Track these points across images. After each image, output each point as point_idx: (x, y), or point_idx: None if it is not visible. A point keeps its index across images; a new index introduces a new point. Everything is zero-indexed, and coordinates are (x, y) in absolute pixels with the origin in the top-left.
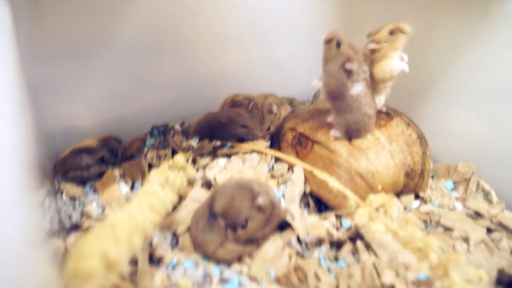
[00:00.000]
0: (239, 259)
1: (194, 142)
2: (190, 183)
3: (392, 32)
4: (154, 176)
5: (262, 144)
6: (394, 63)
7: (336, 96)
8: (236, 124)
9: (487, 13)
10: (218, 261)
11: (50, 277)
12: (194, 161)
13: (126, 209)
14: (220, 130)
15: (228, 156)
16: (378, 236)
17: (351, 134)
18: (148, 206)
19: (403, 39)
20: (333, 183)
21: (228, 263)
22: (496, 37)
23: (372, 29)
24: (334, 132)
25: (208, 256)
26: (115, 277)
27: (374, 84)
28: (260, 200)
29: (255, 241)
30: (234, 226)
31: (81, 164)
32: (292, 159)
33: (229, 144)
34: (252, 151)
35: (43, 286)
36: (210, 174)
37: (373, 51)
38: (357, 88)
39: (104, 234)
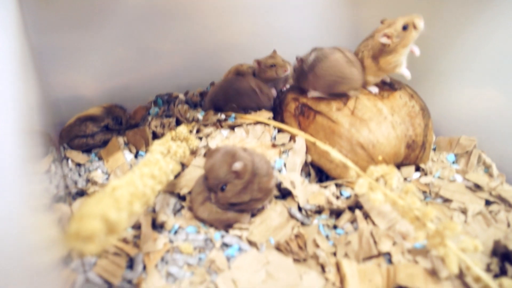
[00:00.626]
0: (229, 226)
1: (199, 114)
2: (193, 153)
3: (405, 28)
4: (157, 146)
5: (265, 115)
6: (400, 67)
7: None
8: (262, 92)
9: None
10: (201, 221)
11: (55, 240)
12: (198, 131)
13: (127, 176)
14: (246, 97)
15: (232, 128)
16: (377, 205)
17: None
18: (149, 175)
19: (415, 36)
20: (335, 153)
21: (211, 225)
22: (501, 9)
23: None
24: (312, 93)
25: (196, 216)
26: (115, 239)
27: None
28: (236, 165)
29: (245, 210)
30: (214, 188)
31: (86, 132)
32: (294, 130)
33: (233, 115)
34: (256, 123)
35: (47, 249)
36: (213, 144)
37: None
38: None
39: (105, 198)
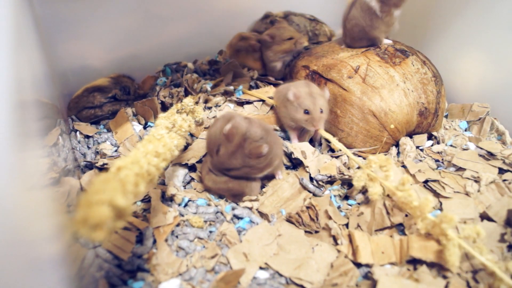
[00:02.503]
0: (236, 196)
1: (207, 85)
2: (200, 124)
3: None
4: (162, 120)
5: (272, 91)
6: None
7: None
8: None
9: None
10: (209, 191)
11: (62, 218)
12: (206, 102)
13: (131, 154)
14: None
15: (240, 103)
16: (375, 197)
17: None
18: (153, 152)
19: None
20: (335, 142)
21: (216, 194)
22: None
23: None
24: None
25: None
26: (123, 224)
27: None
28: (225, 127)
29: (242, 178)
30: (211, 152)
31: (94, 103)
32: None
33: (241, 88)
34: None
35: (55, 226)
36: (221, 114)
37: None
38: None
39: (111, 181)
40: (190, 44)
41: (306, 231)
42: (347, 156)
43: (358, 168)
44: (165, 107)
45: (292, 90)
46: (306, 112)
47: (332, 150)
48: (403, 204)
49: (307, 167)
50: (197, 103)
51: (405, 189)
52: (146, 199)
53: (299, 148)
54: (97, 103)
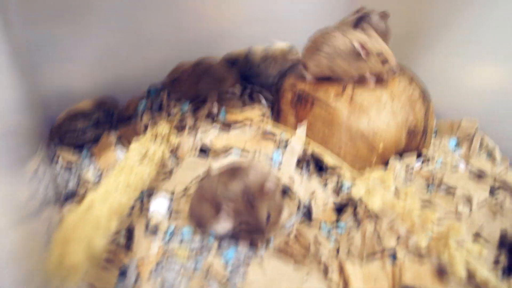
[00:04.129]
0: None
1: (185, 106)
2: (174, 150)
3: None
4: (135, 146)
5: (258, 112)
6: None
7: None
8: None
9: None
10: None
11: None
12: (183, 127)
13: (103, 186)
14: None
15: (227, 126)
16: (375, 208)
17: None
18: (125, 183)
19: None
20: (329, 157)
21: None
22: None
23: None
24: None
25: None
26: (97, 263)
27: None
28: (268, 185)
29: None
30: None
31: (77, 127)
32: (287, 131)
33: (223, 110)
34: (251, 122)
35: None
36: (206, 139)
37: None
38: None
39: (84, 218)
40: (175, 64)
41: (295, 260)
42: (337, 179)
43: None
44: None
45: (356, 41)
46: (385, 62)
47: (321, 172)
48: (405, 217)
49: (295, 194)
50: (177, 127)
51: (407, 201)
52: (130, 229)
53: (286, 173)
54: (79, 128)
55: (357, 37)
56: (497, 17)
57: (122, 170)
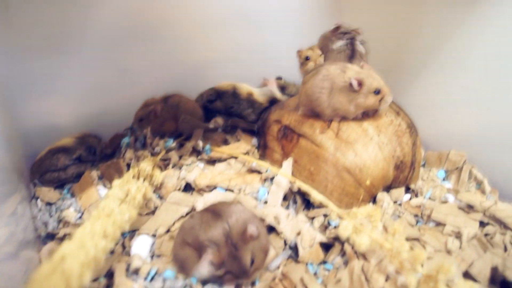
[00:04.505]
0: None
1: (169, 142)
2: (158, 188)
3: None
4: (114, 189)
5: (244, 147)
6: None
7: None
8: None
9: None
10: None
11: None
12: (167, 165)
13: (77, 235)
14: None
15: (212, 162)
16: (363, 249)
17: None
18: (101, 232)
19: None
20: (316, 194)
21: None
22: (488, 19)
23: None
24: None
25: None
26: None
27: None
28: (251, 229)
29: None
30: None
31: (58, 165)
32: (273, 168)
33: (208, 146)
34: (236, 157)
35: None
36: (190, 177)
37: None
38: None
39: (55, 274)
40: None
41: None
42: (324, 216)
43: (340, 221)
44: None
45: (352, 76)
46: (377, 92)
47: (308, 207)
48: (393, 257)
49: (281, 232)
50: (163, 165)
51: (395, 240)
52: (109, 273)
53: (271, 213)
54: (60, 165)
55: (355, 74)
56: (484, 48)
57: (99, 216)
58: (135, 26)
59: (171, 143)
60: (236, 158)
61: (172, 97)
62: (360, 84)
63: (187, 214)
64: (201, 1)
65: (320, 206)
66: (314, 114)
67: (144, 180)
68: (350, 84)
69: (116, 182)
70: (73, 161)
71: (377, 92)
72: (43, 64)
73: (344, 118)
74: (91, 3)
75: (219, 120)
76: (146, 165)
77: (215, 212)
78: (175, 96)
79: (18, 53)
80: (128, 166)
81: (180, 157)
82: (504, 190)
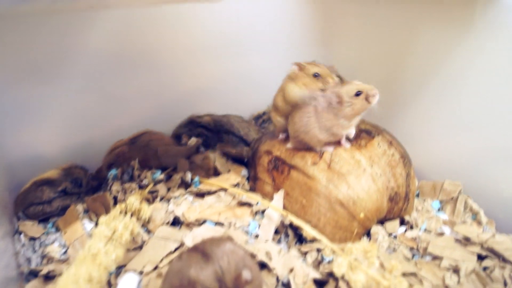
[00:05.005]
0: None
1: (156, 174)
2: (147, 222)
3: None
4: (100, 227)
5: (234, 179)
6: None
7: None
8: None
9: (470, 20)
10: None
11: None
12: (155, 198)
13: (62, 281)
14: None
15: (201, 195)
16: (358, 287)
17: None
18: (86, 276)
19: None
20: (308, 229)
21: None
22: (480, 46)
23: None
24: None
25: None
26: None
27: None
28: (246, 275)
29: None
30: None
31: (43, 198)
32: (264, 200)
33: (197, 179)
34: (226, 190)
35: None
36: (179, 211)
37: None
38: None
39: None
40: (149, 127)
41: None
42: (317, 251)
43: (334, 256)
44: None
45: (330, 93)
46: (358, 93)
47: (300, 240)
48: None
49: (273, 269)
50: (148, 200)
51: (393, 276)
52: None
53: (263, 249)
54: (45, 198)
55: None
56: (477, 77)
57: (85, 257)
58: (123, 54)
59: (159, 174)
60: (225, 191)
61: (142, 136)
62: (339, 97)
63: (175, 250)
64: (190, 29)
65: (313, 240)
66: (305, 147)
67: (131, 215)
68: (329, 102)
69: (103, 219)
70: (58, 193)
71: (358, 93)
72: (28, 94)
73: (338, 144)
74: (78, 31)
75: (195, 141)
76: (134, 199)
77: (205, 253)
78: (144, 135)
79: (2, 83)
80: (115, 199)
81: (169, 190)
82: (500, 221)
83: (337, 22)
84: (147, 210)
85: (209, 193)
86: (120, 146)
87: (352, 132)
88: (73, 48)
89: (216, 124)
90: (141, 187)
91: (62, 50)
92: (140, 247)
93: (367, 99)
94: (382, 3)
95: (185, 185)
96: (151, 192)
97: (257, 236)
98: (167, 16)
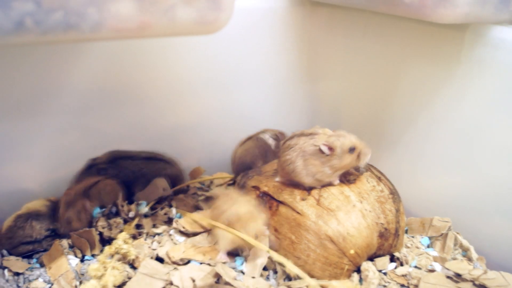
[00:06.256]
0: None
1: (142, 206)
2: (134, 260)
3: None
4: (90, 279)
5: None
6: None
7: None
8: None
9: (458, 57)
10: None
11: None
12: (140, 234)
13: None
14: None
15: (186, 234)
16: None
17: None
18: None
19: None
20: (292, 267)
21: None
22: (468, 83)
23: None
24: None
25: None
26: None
27: None
28: None
29: None
30: None
31: (33, 236)
32: (250, 239)
33: (179, 214)
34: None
35: None
36: (163, 250)
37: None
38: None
39: None
40: None
41: None
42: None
43: None
44: (103, 239)
45: (322, 143)
46: (352, 150)
47: (289, 278)
48: None
49: None
50: (135, 237)
51: None
52: None
53: (252, 286)
54: (36, 236)
55: (324, 138)
56: (465, 113)
57: None
58: (109, 89)
59: (144, 206)
60: (209, 231)
61: (96, 185)
62: (331, 148)
63: None
64: (175, 65)
65: (298, 277)
66: (293, 183)
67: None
68: (320, 150)
69: (93, 266)
70: (49, 232)
71: (352, 149)
72: (11, 128)
73: (325, 185)
74: (63, 66)
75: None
76: (121, 241)
77: None
78: (99, 184)
79: None
80: (101, 234)
81: (154, 226)
82: (490, 257)
83: (323, 57)
84: (133, 252)
85: (195, 234)
86: (74, 200)
87: (335, 181)
88: (56, 83)
89: (114, 155)
90: (126, 221)
91: (46, 84)
92: (124, 284)
93: (358, 156)
94: (368, 40)
95: (169, 220)
96: (136, 226)
97: (243, 273)
98: (151, 51)
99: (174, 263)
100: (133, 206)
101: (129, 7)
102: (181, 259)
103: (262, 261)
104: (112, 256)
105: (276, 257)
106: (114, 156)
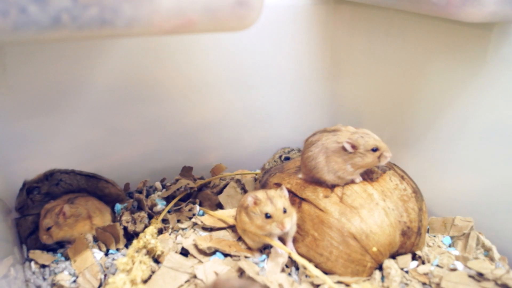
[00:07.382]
0: None
1: (161, 204)
2: (157, 259)
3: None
4: (119, 275)
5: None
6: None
7: None
8: None
9: (483, 56)
10: None
11: None
12: (165, 228)
13: None
14: None
15: (209, 229)
16: None
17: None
18: None
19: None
20: (312, 268)
21: None
22: (493, 83)
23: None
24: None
25: None
26: None
27: None
28: None
29: None
30: None
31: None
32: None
33: (201, 211)
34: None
35: None
36: (188, 242)
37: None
38: None
39: None
40: (156, 159)
41: None
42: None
43: None
44: (127, 233)
45: (345, 141)
46: (375, 149)
47: None
48: None
49: None
50: (161, 231)
51: None
52: None
53: (275, 281)
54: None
55: (348, 135)
56: (488, 112)
57: None
58: (131, 86)
59: (164, 203)
60: (233, 226)
61: (78, 198)
62: (354, 146)
63: (186, 282)
64: (196, 62)
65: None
66: (315, 181)
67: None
68: (343, 148)
69: (122, 260)
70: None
71: (374, 149)
72: (38, 125)
73: (347, 183)
74: (86, 64)
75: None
76: (149, 236)
77: None
78: (79, 197)
79: (13, 114)
80: (125, 229)
81: (178, 221)
82: None
83: (345, 56)
84: (158, 246)
85: (216, 229)
86: (55, 205)
87: (357, 179)
88: (79, 80)
89: (51, 171)
90: (151, 215)
91: (69, 82)
92: (149, 277)
93: (379, 157)
94: (391, 38)
95: (194, 216)
96: (162, 221)
97: (265, 270)
98: (173, 50)
99: (200, 251)
100: (156, 202)
101: (167, 4)
102: (208, 248)
103: (283, 260)
104: (139, 250)
105: (297, 258)
106: (51, 172)
